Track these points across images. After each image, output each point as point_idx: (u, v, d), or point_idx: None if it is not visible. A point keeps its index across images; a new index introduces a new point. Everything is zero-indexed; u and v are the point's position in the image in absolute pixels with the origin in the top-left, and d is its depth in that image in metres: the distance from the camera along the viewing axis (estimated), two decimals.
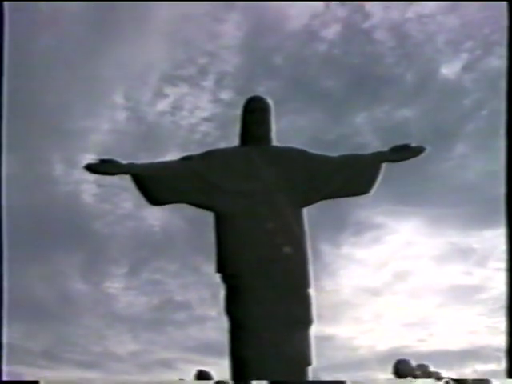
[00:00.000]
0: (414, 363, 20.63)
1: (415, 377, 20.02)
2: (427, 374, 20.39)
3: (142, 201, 22.43)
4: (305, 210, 22.59)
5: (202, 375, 19.85)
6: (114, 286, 48.55)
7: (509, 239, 12.35)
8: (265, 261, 21.26)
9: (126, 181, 22.18)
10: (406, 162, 23.10)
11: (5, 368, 14.84)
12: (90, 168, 21.49)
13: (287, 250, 21.66)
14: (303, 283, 21.73)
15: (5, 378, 15.00)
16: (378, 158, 22.98)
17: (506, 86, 12.65)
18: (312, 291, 21.86)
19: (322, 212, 23.65)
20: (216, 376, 20.36)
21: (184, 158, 22.52)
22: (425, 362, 21.82)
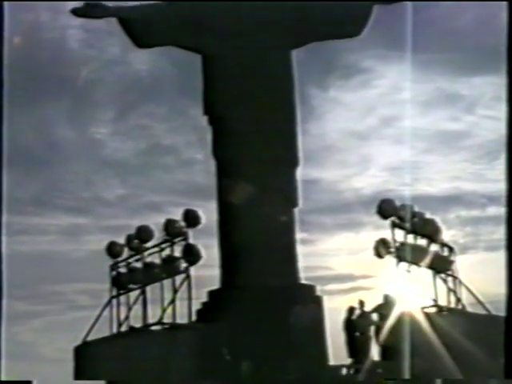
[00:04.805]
0: (398, 204, 20.91)
1: (399, 217, 20.34)
2: (412, 214, 20.68)
3: (129, 45, 22.20)
4: (293, 53, 22.41)
5: (189, 214, 20.13)
6: (101, 131, 48.42)
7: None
8: (252, 102, 21.26)
9: (112, 25, 21.93)
10: (397, 4, 22.82)
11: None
12: (76, 12, 21.28)
13: (275, 95, 21.71)
14: (290, 125, 21.82)
15: None
16: None
17: (506, 86, 12.45)
18: (298, 133, 22.02)
19: (309, 55, 23.45)
20: (204, 216, 20.73)
21: None
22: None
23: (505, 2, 13.33)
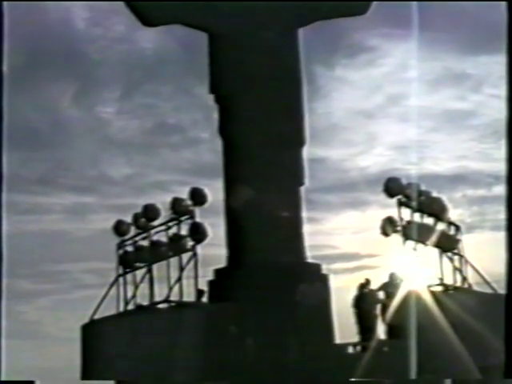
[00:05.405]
0: (404, 183, 20.87)
1: (406, 196, 20.31)
2: (418, 193, 20.63)
3: (135, 23, 22.08)
4: (300, 31, 22.29)
5: (195, 192, 20.12)
6: (107, 110, 48.46)
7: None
8: (258, 80, 21.18)
9: (118, 3, 21.82)
10: None
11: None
12: None
13: (281, 73, 21.62)
14: (296, 104, 21.76)
15: None
16: None
17: (506, 86, 12.41)
18: (304, 112, 21.94)
19: (315, 33, 23.33)
20: (210, 194, 20.71)
21: None
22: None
23: (504, 2, 13.29)
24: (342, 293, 23.07)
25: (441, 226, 22.18)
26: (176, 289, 19.79)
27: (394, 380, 19.66)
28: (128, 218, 21.51)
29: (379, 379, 19.58)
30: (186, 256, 19.90)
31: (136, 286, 21.05)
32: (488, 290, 22.23)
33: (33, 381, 18.67)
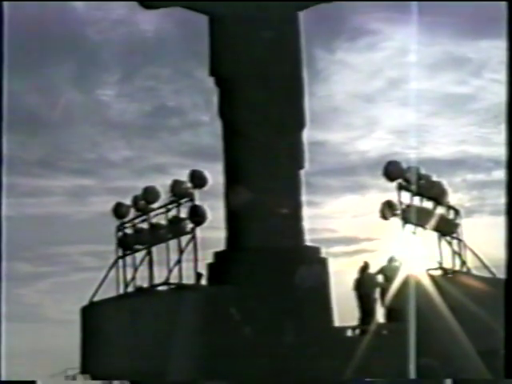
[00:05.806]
0: (404, 166, 20.82)
1: (405, 179, 20.28)
2: (418, 176, 20.61)
3: (135, 6, 22.03)
4: (301, 14, 22.23)
5: (195, 175, 20.09)
6: (107, 93, 48.53)
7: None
8: (259, 64, 21.13)
9: None
10: None
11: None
12: None
13: (281, 56, 21.55)
14: (296, 87, 21.71)
15: None
16: None
17: (506, 71, 12.37)
18: (305, 95, 21.90)
19: (316, 16, 23.26)
20: (210, 177, 20.68)
21: None
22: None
23: (504, 2, 13.27)
24: (340, 276, 23.15)
25: (440, 210, 22.20)
26: (175, 271, 19.82)
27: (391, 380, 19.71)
28: (127, 201, 21.50)
29: (377, 378, 19.60)
30: (185, 238, 19.91)
31: (135, 269, 21.06)
32: (487, 274, 22.28)
33: (34, 381, 18.74)
